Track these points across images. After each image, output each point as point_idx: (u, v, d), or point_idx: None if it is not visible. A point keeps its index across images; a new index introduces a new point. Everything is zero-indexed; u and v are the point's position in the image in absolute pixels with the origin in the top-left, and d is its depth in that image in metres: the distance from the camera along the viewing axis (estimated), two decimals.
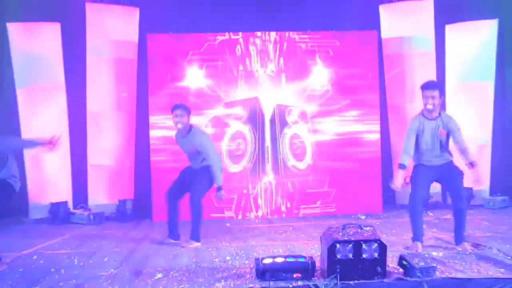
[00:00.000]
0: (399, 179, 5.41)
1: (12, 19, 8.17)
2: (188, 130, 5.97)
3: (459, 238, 5.34)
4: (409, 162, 5.46)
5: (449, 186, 5.51)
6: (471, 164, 5.35)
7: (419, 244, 5.26)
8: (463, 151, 5.41)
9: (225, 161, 7.80)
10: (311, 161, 7.99)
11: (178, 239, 6.04)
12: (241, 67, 7.90)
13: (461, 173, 5.45)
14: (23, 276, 4.63)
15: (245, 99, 7.92)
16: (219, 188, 5.94)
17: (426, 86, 5.39)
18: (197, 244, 5.84)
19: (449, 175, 5.41)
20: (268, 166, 7.94)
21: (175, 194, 6.05)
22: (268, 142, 7.93)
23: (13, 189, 5.20)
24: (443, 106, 6.33)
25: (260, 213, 7.88)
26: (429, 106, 5.34)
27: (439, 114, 5.43)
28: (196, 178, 5.92)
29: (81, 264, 5.11)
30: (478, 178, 5.41)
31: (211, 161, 5.92)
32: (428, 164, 5.44)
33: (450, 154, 5.51)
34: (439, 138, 5.40)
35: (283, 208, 7.90)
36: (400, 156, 5.50)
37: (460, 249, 5.20)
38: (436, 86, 5.44)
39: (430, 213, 7.38)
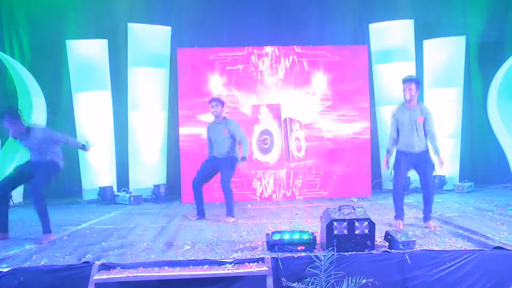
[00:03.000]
0: (385, 162, 5.41)
1: (70, 37, 8.26)
2: (222, 118, 6.03)
3: (426, 217, 5.22)
4: (393, 146, 5.32)
5: (421, 175, 5.28)
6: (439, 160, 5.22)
7: (400, 222, 5.19)
8: (432, 139, 5.20)
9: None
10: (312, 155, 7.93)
11: (204, 217, 6.08)
12: (254, 75, 7.83)
13: (433, 166, 5.30)
14: (78, 245, 4.64)
15: (268, 104, 7.86)
16: (243, 158, 5.86)
17: (405, 80, 5.23)
18: (232, 219, 5.86)
19: (424, 166, 5.20)
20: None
21: (200, 183, 6.05)
22: (282, 139, 7.86)
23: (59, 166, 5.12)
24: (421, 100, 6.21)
25: (272, 196, 7.85)
26: (407, 97, 5.18)
27: (418, 104, 5.23)
28: (223, 167, 5.91)
29: (124, 236, 5.11)
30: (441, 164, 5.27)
31: (243, 138, 5.95)
32: (408, 151, 5.21)
33: (427, 144, 5.26)
34: (416, 124, 5.17)
35: (289, 193, 7.85)
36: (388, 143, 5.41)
37: (426, 225, 5.10)
38: (413, 79, 5.23)
39: (411, 197, 7.28)
